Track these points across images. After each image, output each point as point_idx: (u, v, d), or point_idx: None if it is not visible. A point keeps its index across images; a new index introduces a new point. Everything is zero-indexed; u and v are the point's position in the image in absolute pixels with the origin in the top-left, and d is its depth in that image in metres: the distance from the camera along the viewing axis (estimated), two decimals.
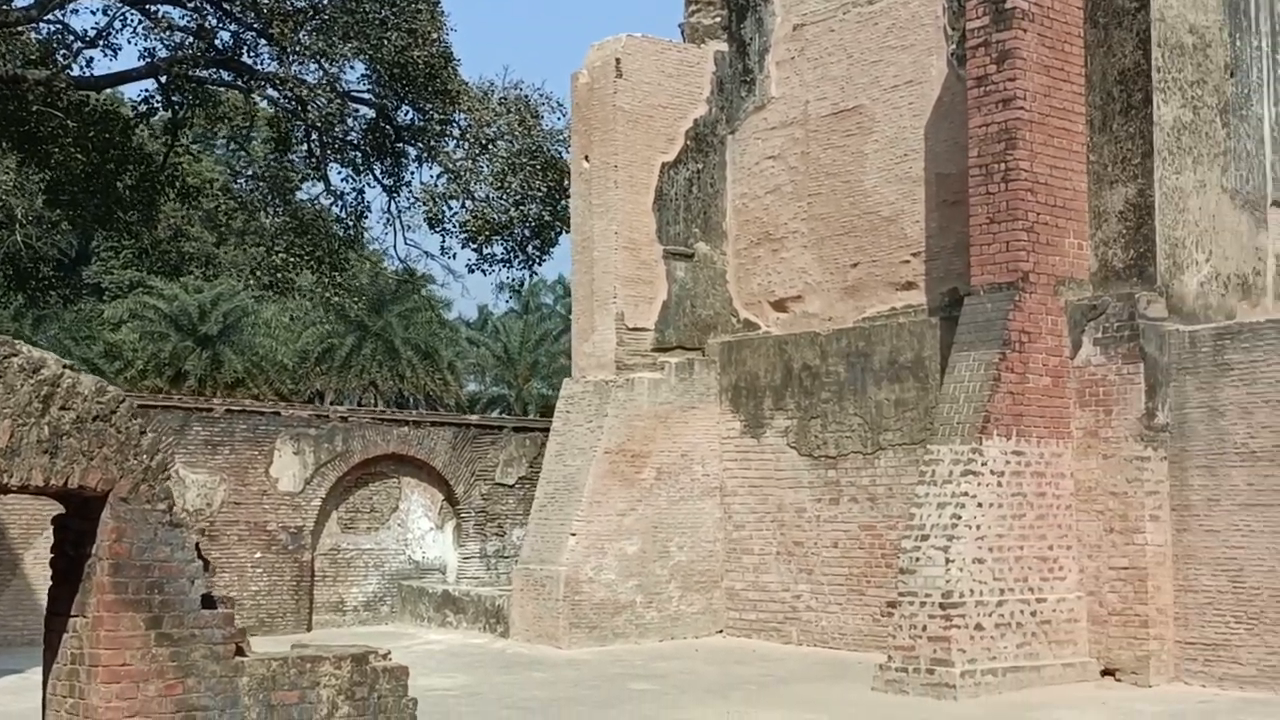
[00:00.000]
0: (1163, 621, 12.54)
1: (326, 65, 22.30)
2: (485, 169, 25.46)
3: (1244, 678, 12.06)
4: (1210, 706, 11.46)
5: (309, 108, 23.15)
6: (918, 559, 12.37)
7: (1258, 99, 14.06)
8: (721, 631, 16.53)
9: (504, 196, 25.14)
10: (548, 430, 18.76)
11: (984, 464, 12.53)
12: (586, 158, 17.08)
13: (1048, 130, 13.29)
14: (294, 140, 25.13)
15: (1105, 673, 12.74)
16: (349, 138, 25.75)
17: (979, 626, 12.20)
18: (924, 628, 12.19)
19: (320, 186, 26.47)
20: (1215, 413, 12.46)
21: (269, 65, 22.91)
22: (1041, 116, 13.25)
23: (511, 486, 19.41)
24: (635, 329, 16.72)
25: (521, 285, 33.31)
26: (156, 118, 25.42)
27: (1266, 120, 14.10)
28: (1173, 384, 12.78)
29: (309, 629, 17.62)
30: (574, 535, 15.87)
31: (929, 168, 15.09)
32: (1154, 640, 12.47)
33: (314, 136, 25.33)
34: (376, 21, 21.76)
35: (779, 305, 16.68)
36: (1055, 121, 13.36)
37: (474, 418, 21.07)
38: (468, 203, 25.63)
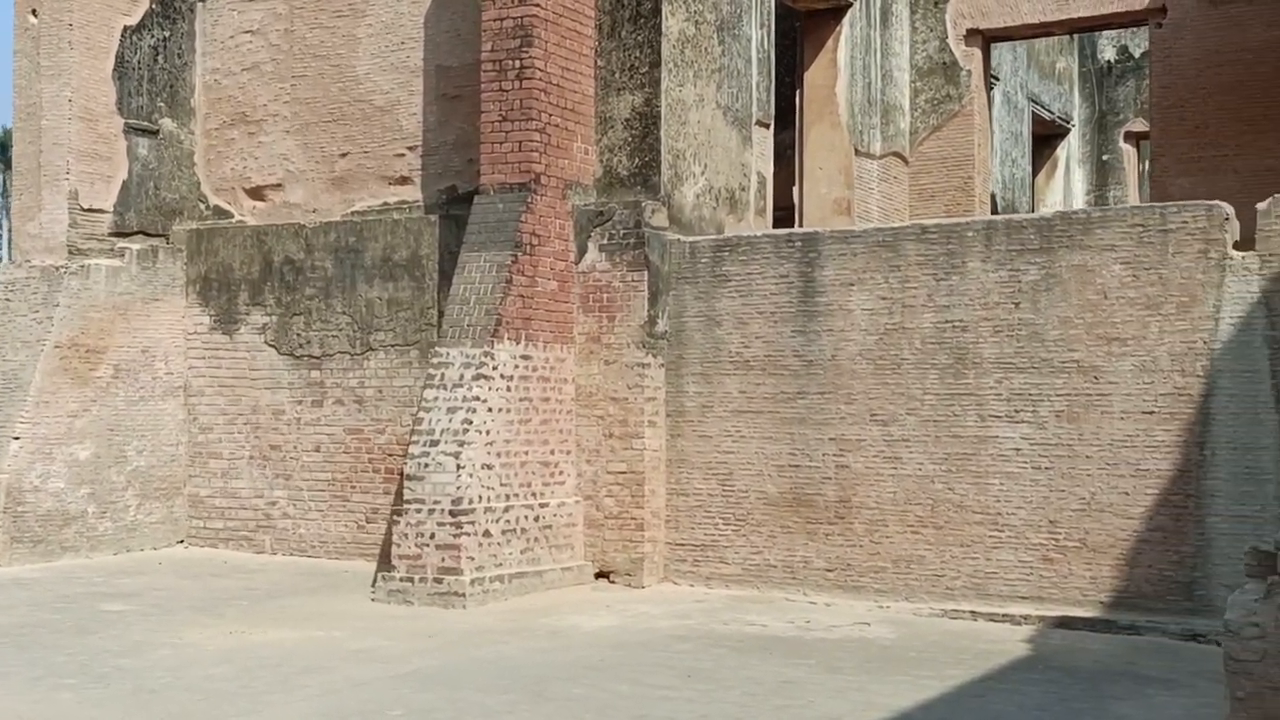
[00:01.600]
0: (656, 524, 12.90)
1: None
2: None
3: (730, 576, 12.65)
4: (707, 605, 11.91)
5: None
6: (426, 465, 11.95)
7: (748, 20, 14.55)
8: (183, 542, 15.36)
9: None
10: None
11: (495, 368, 12.28)
12: (34, 11, 15.02)
13: (561, 30, 13.09)
14: None
15: (599, 575, 12.96)
16: None
17: (487, 533, 12.00)
18: (432, 536, 11.82)
19: None
20: (712, 322, 12.88)
21: None
22: (556, 16, 13.03)
23: None
24: (91, 210, 14.98)
25: None
26: None
27: (754, 41, 14.65)
28: (672, 293, 13.07)
29: None
30: (17, 439, 14.09)
31: (428, 59, 14.49)
32: (648, 543, 12.81)
33: None
34: None
35: (256, 193, 15.53)
36: (568, 22, 13.18)
37: None
38: None
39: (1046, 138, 22.39)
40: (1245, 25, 15.56)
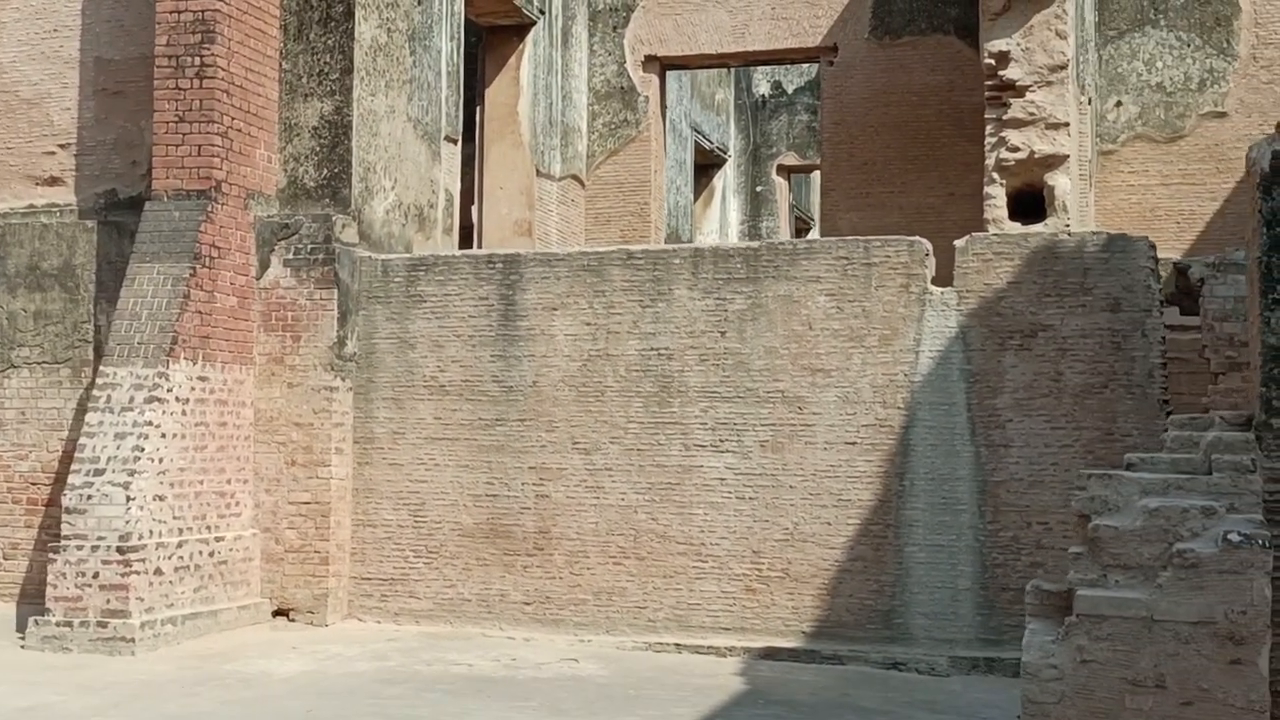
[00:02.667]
0: (341, 558, 12.13)
1: None
2: None
3: (420, 612, 12.03)
4: (401, 643, 11.24)
5: None
6: (90, 496, 10.79)
7: (438, 31, 14.00)
8: None
9: None
10: None
11: (170, 390, 11.23)
12: None
13: (245, 29, 12.19)
14: None
15: (278, 613, 12.06)
16: None
17: (159, 571, 10.94)
18: (96, 575, 10.67)
19: None
20: (405, 344, 12.24)
21: None
22: (239, 12, 12.11)
23: None
24: None
25: None
26: None
27: (444, 54, 14.10)
28: (363, 312, 12.36)
29: None
30: None
31: (85, 50, 13.20)
32: (332, 577, 12.02)
33: None
34: None
35: None
36: (252, 20, 12.29)
37: None
38: None
39: (705, 167, 22.78)
40: (910, 68, 16.20)
